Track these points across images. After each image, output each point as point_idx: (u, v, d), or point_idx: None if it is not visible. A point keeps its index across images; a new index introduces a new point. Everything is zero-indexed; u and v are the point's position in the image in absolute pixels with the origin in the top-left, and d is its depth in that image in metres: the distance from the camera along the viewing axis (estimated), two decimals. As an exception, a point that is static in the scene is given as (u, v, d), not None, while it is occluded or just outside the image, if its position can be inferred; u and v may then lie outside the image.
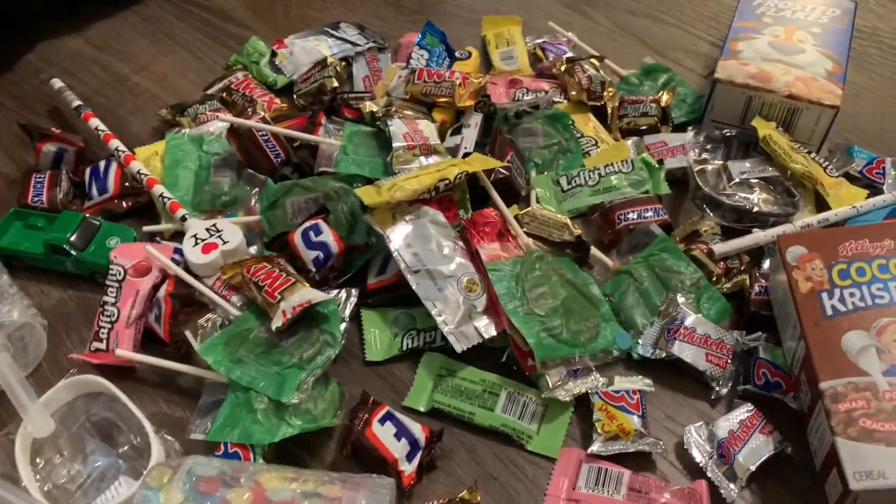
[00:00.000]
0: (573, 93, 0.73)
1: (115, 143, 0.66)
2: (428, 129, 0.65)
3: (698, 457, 0.51)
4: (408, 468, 0.50)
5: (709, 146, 0.69)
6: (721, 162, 0.68)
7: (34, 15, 0.78)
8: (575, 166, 0.68)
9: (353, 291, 0.60)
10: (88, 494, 0.49)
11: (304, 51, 0.78)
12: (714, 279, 0.60)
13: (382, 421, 0.51)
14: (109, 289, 0.57)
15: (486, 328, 0.55)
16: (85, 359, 0.55)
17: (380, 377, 0.57)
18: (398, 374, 0.57)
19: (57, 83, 0.72)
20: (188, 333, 0.54)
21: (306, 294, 0.55)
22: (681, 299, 0.58)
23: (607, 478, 0.50)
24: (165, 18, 0.84)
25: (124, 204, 0.65)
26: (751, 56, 0.70)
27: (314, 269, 0.58)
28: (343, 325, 0.56)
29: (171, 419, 0.53)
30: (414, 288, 0.56)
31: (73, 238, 0.59)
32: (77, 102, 0.70)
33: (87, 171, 0.66)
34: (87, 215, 0.62)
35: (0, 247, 0.59)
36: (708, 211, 0.64)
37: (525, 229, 0.60)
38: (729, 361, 0.56)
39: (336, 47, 0.78)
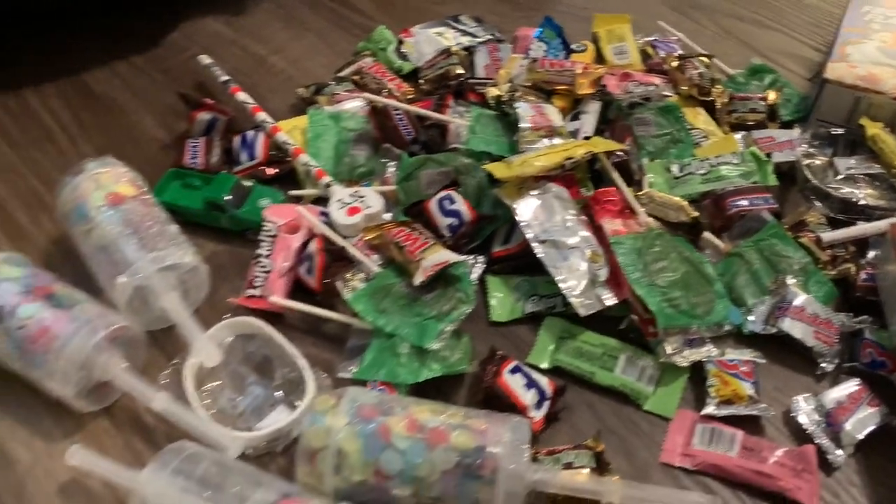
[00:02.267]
0: (684, 88, 0.77)
1: (262, 115, 0.73)
2: (552, 112, 0.70)
3: (806, 423, 0.55)
4: (536, 415, 0.54)
5: (816, 143, 0.72)
6: (827, 158, 0.71)
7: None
8: (686, 156, 0.72)
9: (480, 258, 0.65)
10: (248, 420, 0.55)
11: (429, 40, 0.83)
12: (820, 265, 0.64)
13: (513, 372, 0.56)
14: (263, 243, 0.63)
15: (608, 297, 0.60)
16: (241, 303, 0.61)
17: (503, 336, 0.61)
18: (520, 335, 0.61)
19: (205, 59, 0.79)
20: (339, 284, 0.60)
21: (443, 255, 0.60)
22: (790, 281, 0.61)
23: (721, 437, 0.54)
24: (298, 7, 0.90)
25: (270, 170, 0.71)
26: (859, 59, 0.74)
27: (449, 235, 0.64)
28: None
29: (317, 360, 0.59)
30: (540, 256, 0.61)
31: (228, 197, 0.66)
32: (225, 77, 0.77)
33: (237, 138, 0.72)
34: (240, 177, 0.68)
35: (163, 201, 0.66)
36: (815, 202, 0.68)
37: (644, 209, 0.65)
38: (836, 340, 0.59)
39: (458, 37, 0.84)
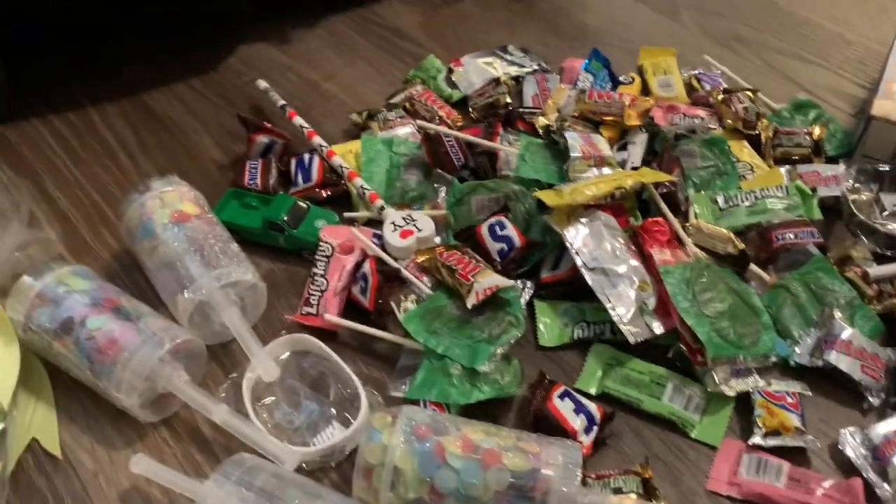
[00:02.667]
0: (729, 121, 0.78)
1: (317, 139, 0.75)
2: (600, 142, 0.72)
3: (854, 457, 0.55)
4: (585, 440, 0.55)
5: (861, 178, 0.73)
6: (873, 194, 0.72)
7: (239, 23, 0.88)
8: (731, 188, 0.73)
9: (529, 283, 0.66)
10: (303, 435, 0.56)
11: (478, 69, 0.85)
12: (867, 300, 0.64)
13: (562, 397, 0.57)
14: (319, 262, 0.65)
15: (657, 325, 0.61)
16: (297, 320, 0.63)
17: (551, 361, 0.63)
18: (567, 360, 0.63)
19: (262, 84, 0.82)
20: (393, 304, 0.62)
21: (495, 279, 0.61)
22: (837, 314, 0.62)
23: (768, 467, 0.55)
24: (349, 34, 0.93)
25: (324, 192, 0.73)
26: (906, 97, 0.74)
27: (499, 259, 0.65)
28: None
29: (369, 378, 0.60)
30: (590, 283, 0.62)
31: (286, 217, 0.68)
32: (282, 102, 0.79)
33: (293, 161, 0.74)
34: (297, 199, 0.70)
35: (222, 219, 0.68)
36: (862, 237, 0.68)
37: (691, 240, 0.66)
38: (882, 375, 0.60)
39: (507, 67, 0.86)
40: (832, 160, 0.76)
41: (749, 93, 0.81)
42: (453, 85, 0.85)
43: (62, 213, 0.72)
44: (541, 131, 0.75)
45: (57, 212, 0.72)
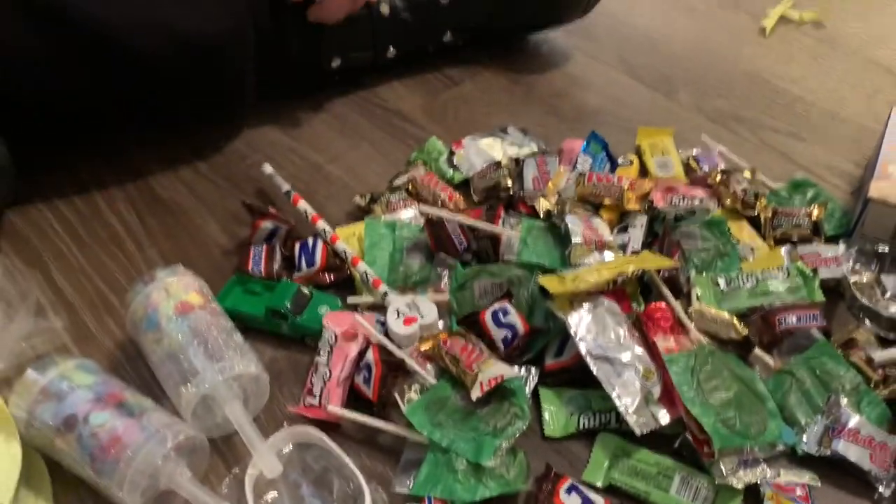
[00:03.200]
0: (728, 202, 0.79)
1: (321, 224, 0.76)
2: (601, 226, 0.73)
3: (868, 553, 0.54)
4: (593, 536, 0.55)
5: (861, 259, 0.74)
6: (874, 275, 0.72)
7: (246, 109, 0.89)
8: (732, 269, 0.73)
9: (533, 370, 0.66)
10: (306, 533, 0.56)
11: (478, 151, 0.87)
12: (872, 385, 0.64)
13: (568, 491, 0.56)
14: (322, 351, 0.65)
15: (663, 414, 0.60)
16: (300, 412, 0.63)
17: (556, 451, 0.62)
18: (573, 450, 0.62)
19: (268, 168, 0.83)
20: (396, 395, 0.61)
21: (499, 369, 0.61)
22: (843, 401, 0.62)
23: (780, 564, 0.54)
24: (352, 116, 0.95)
25: (328, 277, 0.73)
26: (902, 178, 0.75)
27: (503, 347, 0.65)
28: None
29: (373, 473, 0.60)
30: (594, 372, 0.62)
31: (290, 305, 0.68)
32: (286, 187, 0.80)
33: (297, 246, 0.75)
34: (300, 285, 0.70)
35: (224, 307, 0.68)
36: (865, 321, 0.68)
37: (694, 325, 0.66)
38: (892, 464, 0.59)
39: (507, 149, 0.87)
40: (832, 240, 0.77)
41: (747, 173, 0.82)
42: (455, 167, 0.86)
43: (67, 301, 0.72)
44: (542, 215, 0.76)
45: (62, 300, 0.72)
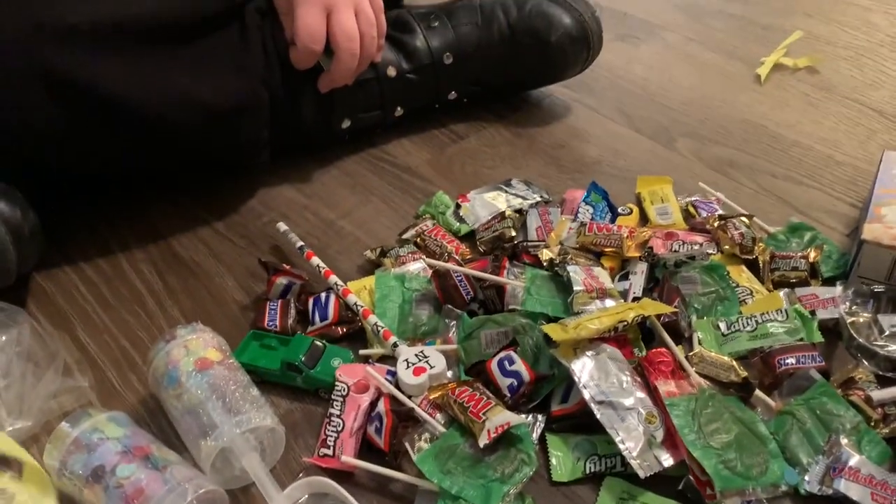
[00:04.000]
0: (726, 247, 0.81)
1: (333, 278, 0.79)
2: (602, 275, 0.75)
3: (872, 591, 0.55)
4: (600, 579, 0.56)
5: (858, 300, 0.75)
6: (871, 315, 0.74)
7: (259, 169, 0.94)
8: (732, 313, 0.76)
9: (540, 417, 0.68)
10: (322, 581, 0.58)
11: (483, 203, 0.90)
12: (872, 424, 0.65)
13: (575, 534, 0.58)
14: (335, 402, 0.68)
15: (666, 457, 0.62)
16: (315, 463, 0.65)
17: (564, 496, 0.64)
18: (580, 494, 0.64)
19: (282, 227, 0.87)
20: (407, 444, 0.64)
21: (505, 416, 0.63)
22: (843, 440, 0.63)
23: None
24: (362, 172, 0.99)
25: (340, 330, 0.76)
26: (894, 220, 0.78)
27: (509, 395, 0.67)
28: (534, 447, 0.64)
29: (386, 520, 0.62)
30: (598, 417, 0.64)
31: (304, 358, 0.71)
32: (300, 243, 0.84)
33: (311, 300, 0.78)
34: (314, 338, 0.73)
35: (242, 362, 0.71)
36: (863, 360, 0.70)
37: (695, 369, 0.68)
38: (893, 502, 0.60)
39: (511, 201, 0.90)
40: (830, 281, 0.79)
41: (744, 218, 0.84)
42: (461, 220, 0.89)
43: (92, 359, 0.75)
44: (545, 264, 0.79)
45: (88, 358, 0.75)
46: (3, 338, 0.70)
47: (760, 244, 0.82)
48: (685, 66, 1.18)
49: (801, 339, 0.72)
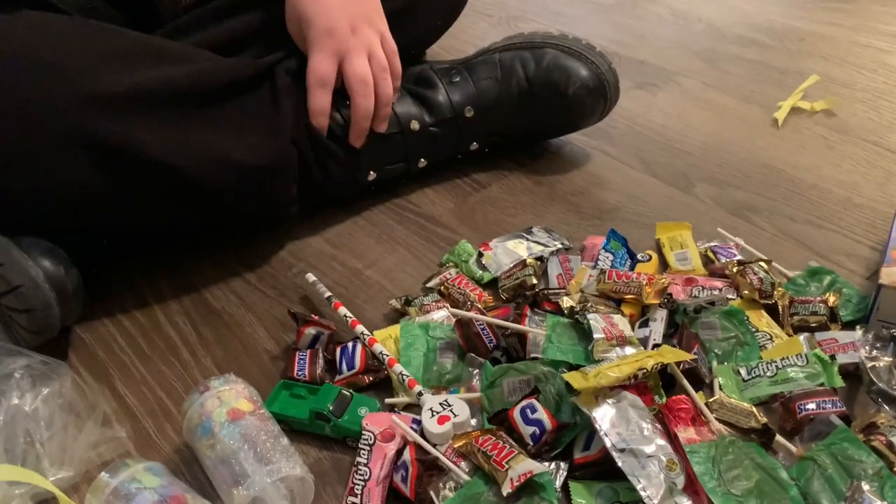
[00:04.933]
0: (745, 292, 0.83)
1: (360, 328, 0.82)
2: (622, 322, 0.77)
3: None
4: None
5: (878, 344, 0.76)
6: (891, 359, 0.74)
7: (289, 222, 0.97)
8: (752, 358, 0.77)
9: (562, 464, 0.69)
10: None
11: (505, 251, 0.92)
12: (895, 470, 0.66)
13: (598, 582, 0.59)
14: (362, 451, 0.70)
15: (686, 504, 0.63)
16: (343, 510, 0.67)
17: (588, 543, 0.65)
18: (604, 542, 0.65)
19: (311, 278, 0.90)
20: (432, 493, 0.65)
21: (528, 465, 0.65)
22: (866, 486, 0.63)
23: None
24: (387, 222, 1.02)
25: (367, 378, 0.79)
26: (912, 263, 0.78)
27: (531, 443, 0.69)
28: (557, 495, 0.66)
29: (413, 568, 0.63)
30: (619, 465, 0.65)
31: (332, 407, 0.73)
32: (328, 293, 0.87)
33: (338, 350, 0.81)
34: (342, 388, 0.76)
35: (272, 411, 0.73)
36: (883, 405, 0.71)
37: (715, 415, 0.69)
38: (918, 549, 0.60)
39: (532, 248, 0.93)
40: (850, 325, 0.80)
41: (763, 263, 0.86)
42: (484, 267, 0.91)
43: (130, 410, 0.78)
44: (566, 312, 0.80)
45: (125, 409, 0.78)
46: (47, 390, 0.73)
47: (779, 289, 0.83)
48: (702, 112, 1.21)
49: (822, 384, 0.73)
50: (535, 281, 0.87)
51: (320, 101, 0.90)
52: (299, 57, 0.92)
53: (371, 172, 0.99)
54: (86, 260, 0.84)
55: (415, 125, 0.98)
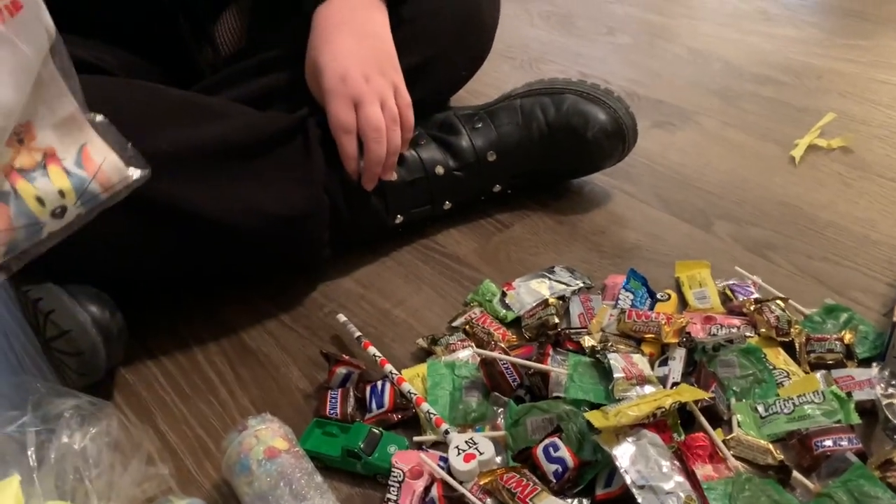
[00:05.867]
0: (763, 330, 0.85)
1: (388, 367, 0.85)
2: (641, 362, 0.80)
3: None
4: None
5: (894, 381, 0.78)
6: (908, 396, 0.76)
7: (322, 264, 1.02)
8: (770, 395, 0.79)
9: (585, 501, 0.72)
10: None
11: (528, 291, 0.96)
12: (912, 506, 0.67)
13: None
14: (392, 488, 0.73)
15: (705, 540, 0.65)
16: (374, 545, 0.70)
17: (610, 578, 0.67)
18: (626, 576, 0.67)
19: (341, 318, 0.94)
20: (459, 529, 0.68)
21: (551, 502, 0.67)
22: (882, 524, 0.65)
23: None
24: (414, 262, 1.06)
25: (396, 417, 0.82)
26: (927, 301, 0.80)
27: (554, 481, 0.71)
28: (580, 530, 0.68)
29: None
30: (639, 501, 0.67)
31: (362, 445, 0.77)
32: (357, 333, 0.91)
33: (368, 388, 0.84)
34: (372, 426, 0.79)
35: (306, 449, 0.77)
36: (899, 442, 0.72)
37: (732, 452, 0.71)
38: (934, 586, 0.62)
39: (554, 287, 0.96)
40: (866, 362, 0.82)
41: (780, 301, 0.88)
42: (507, 307, 0.95)
43: (172, 448, 0.82)
44: (587, 351, 0.83)
45: (167, 447, 0.82)
46: (94, 430, 0.77)
47: (796, 326, 0.85)
48: (720, 150, 1.24)
49: (839, 421, 0.75)
50: (557, 320, 0.90)
51: (348, 146, 0.94)
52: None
53: (398, 216, 1.03)
54: (127, 303, 0.89)
55: (440, 170, 1.03)
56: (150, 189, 0.80)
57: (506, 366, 0.82)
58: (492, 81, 1.41)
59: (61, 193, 0.61)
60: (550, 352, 0.84)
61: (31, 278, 0.84)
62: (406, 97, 0.98)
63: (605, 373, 0.80)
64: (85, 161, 0.62)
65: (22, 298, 0.86)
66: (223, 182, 0.84)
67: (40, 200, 0.60)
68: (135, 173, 0.66)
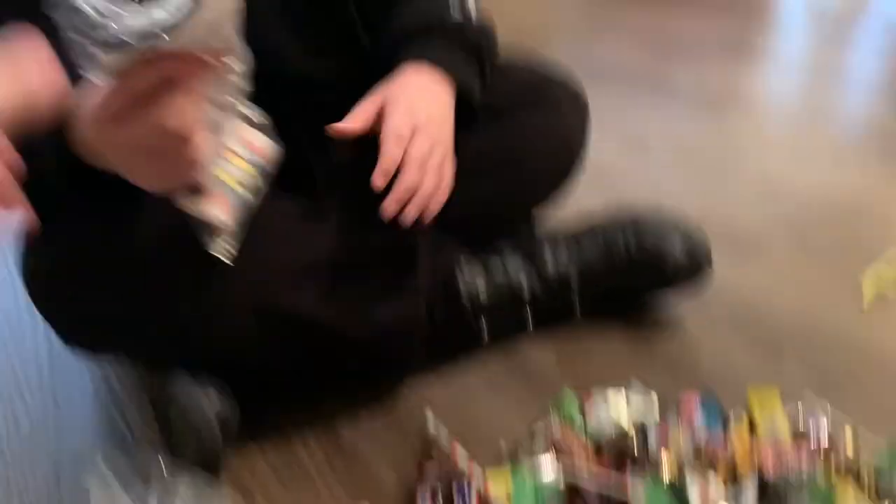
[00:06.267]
0: (832, 465, 0.89)
1: (475, 468, 0.92)
2: (716, 488, 0.84)
3: None
4: None
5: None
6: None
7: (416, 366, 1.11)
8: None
9: None
10: None
11: (607, 415, 1.00)
12: None
13: None
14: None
15: None
16: None
17: None
18: None
19: (430, 416, 1.01)
20: None
21: None
22: None
23: None
24: (498, 370, 1.13)
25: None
26: None
27: None
28: None
29: None
30: None
31: (451, 547, 0.83)
32: (445, 433, 0.98)
33: (454, 486, 0.90)
34: (461, 528, 0.85)
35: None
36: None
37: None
38: None
39: (633, 405, 1.02)
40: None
41: (850, 436, 0.92)
42: (586, 425, 1.01)
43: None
44: (664, 479, 0.88)
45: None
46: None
47: (864, 463, 0.89)
48: (790, 283, 1.29)
49: (907, 564, 0.78)
50: (636, 453, 0.95)
51: (395, 151, 0.91)
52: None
53: (485, 330, 1.13)
54: (237, 394, 0.99)
55: (526, 295, 1.13)
56: (276, 299, 0.92)
57: (588, 495, 0.88)
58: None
59: (251, 175, 0.84)
60: (629, 479, 0.90)
61: (159, 365, 0.95)
62: (449, 177, 0.97)
63: (681, 500, 0.85)
64: (250, 147, 0.83)
65: (150, 383, 0.97)
66: (335, 294, 0.95)
67: (241, 184, 0.83)
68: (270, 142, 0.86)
